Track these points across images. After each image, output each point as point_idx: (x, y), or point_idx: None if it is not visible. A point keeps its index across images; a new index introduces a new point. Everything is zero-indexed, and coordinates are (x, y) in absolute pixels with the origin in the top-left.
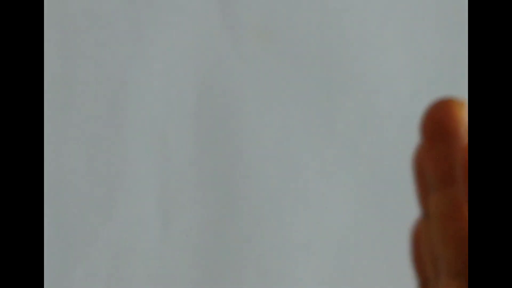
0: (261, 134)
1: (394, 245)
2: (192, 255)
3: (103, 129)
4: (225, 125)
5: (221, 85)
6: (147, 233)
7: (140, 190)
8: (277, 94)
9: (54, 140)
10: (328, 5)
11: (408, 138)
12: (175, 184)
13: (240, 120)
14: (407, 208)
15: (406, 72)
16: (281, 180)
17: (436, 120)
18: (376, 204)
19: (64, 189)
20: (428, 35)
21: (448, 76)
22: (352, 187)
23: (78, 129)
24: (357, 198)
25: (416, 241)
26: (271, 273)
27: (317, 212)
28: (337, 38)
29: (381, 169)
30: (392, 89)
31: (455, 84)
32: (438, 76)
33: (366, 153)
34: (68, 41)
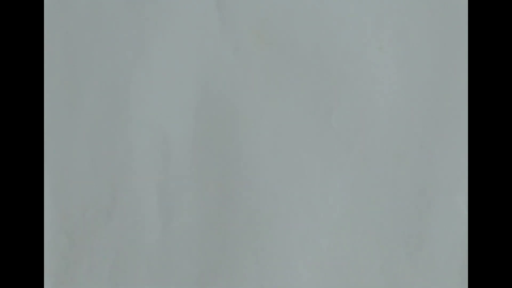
0: (260, 133)
1: (387, 239)
2: (192, 250)
3: (106, 129)
4: (224, 124)
5: (220, 86)
6: (149, 230)
7: (142, 188)
8: (275, 95)
9: (58, 139)
10: (326, 8)
11: (402, 137)
12: (176, 182)
13: (239, 119)
14: (399, 204)
15: (400, 72)
16: (278, 178)
17: None
18: (370, 200)
19: (69, 187)
20: (422, 35)
21: (442, 76)
22: (347, 184)
23: (82, 129)
24: (351, 194)
25: None
26: (270, 268)
27: (313, 208)
28: (334, 40)
29: (374, 167)
30: (386, 89)
31: (449, 84)
32: (432, 76)
33: (361, 151)
34: (72, 45)
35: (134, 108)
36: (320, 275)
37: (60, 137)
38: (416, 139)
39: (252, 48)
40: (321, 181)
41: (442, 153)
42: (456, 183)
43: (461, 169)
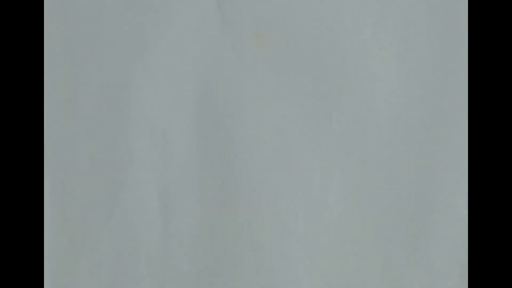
0: (260, 133)
1: (387, 239)
2: (192, 250)
3: (106, 129)
4: (224, 124)
5: (220, 86)
6: (149, 229)
7: (142, 188)
8: (275, 95)
9: (58, 139)
10: (326, 8)
11: (402, 137)
12: (176, 182)
13: (239, 119)
14: (399, 204)
15: (400, 73)
16: (278, 178)
17: None
18: (370, 200)
19: (69, 186)
20: (422, 35)
21: (442, 76)
22: (347, 184)
23: (82, 129)
24: (351, 194)
25: None
26: (270, 268)
27: (313, 208)
28: (334, 40)
29: (374, 167)
30: (386, 89)
31: (449, 84)
32: (432, 76)
33: (361, 151)
34: (72, 45)
35: (134, 108)
36: (319, 275)
37: (60, 137)
38: (416, 139)
39: (252, 48)
40: (321, 181)
41: (442, 154)
42: (456, 183)
43: (461, 170)
